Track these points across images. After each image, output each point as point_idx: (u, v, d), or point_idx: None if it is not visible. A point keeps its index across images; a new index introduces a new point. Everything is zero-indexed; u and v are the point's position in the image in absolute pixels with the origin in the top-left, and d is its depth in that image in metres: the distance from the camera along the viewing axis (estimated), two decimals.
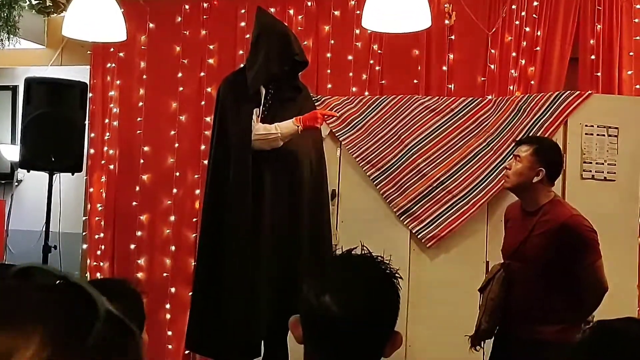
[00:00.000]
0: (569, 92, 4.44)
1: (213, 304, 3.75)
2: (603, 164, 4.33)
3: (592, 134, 4.35)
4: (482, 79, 5.03)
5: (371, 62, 5.22)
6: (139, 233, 5.61)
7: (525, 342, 3.29)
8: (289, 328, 1.56)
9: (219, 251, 3.77)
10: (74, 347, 0.61)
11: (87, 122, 5.48)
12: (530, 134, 4.33)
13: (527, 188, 3.36)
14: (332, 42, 5.31)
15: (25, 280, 0.64)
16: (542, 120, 4.37)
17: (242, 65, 4.30)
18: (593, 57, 4.81)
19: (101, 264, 5.71)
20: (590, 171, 4.33)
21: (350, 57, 5.26)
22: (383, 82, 5.23)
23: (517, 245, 3.35)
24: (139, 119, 5.70)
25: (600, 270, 3.27)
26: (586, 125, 4.36)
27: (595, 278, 3.26)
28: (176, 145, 5.58)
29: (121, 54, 5.75)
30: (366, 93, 5.12)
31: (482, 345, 3.47)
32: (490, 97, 4.80)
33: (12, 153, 5.87)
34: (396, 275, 1.57)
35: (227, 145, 3.82)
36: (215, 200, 3.85)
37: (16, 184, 6.16)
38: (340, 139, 4.74)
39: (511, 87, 4.92)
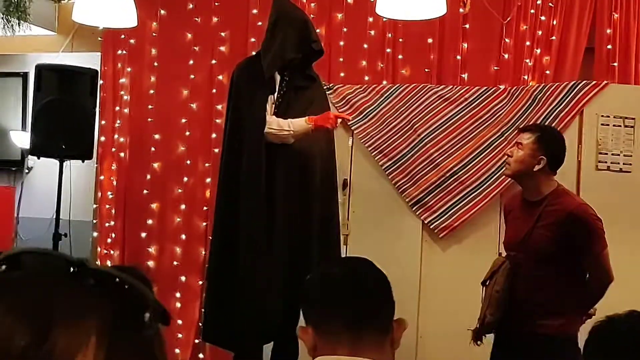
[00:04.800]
0: (584, 81, 4.39)
1: (227, 293, 3.73)
2: (619, 155, 4.27)
3: (608, 125, 4.29)
4: (496, 68, 4.98)
5: (387, 50, 5.17)
6: (149, 221, 5.60)
7: (528, 336, 3.25)
8: (299, 337, 1.63)
9: (232, 240, 3.75)
10: (129, 341, 0.61)
11: (97, 109, 5.46)
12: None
13: (527, 176, 3.31)
14: (345, 30, 5.26)
15: (61, 273, 0.63)
16: (557, 111, 4.32)
17: (254, 53, 4.27)
18: (609, 46, 4.75)
19: (111, 252, 5.70)
20: (606, 162, 4.27)
21: (363, 46, 5.21)
22: (396, 70, 5.18)
23: (522, 237, 3.29)
24: (149, 106, 5.67)
25: (607, 260, 3.23)
26: (602, 116, 4.30)
27: (603, 268, 3.23)
28: (187, 133, 5.56)
29: (132, 41, 5.72)
30: (384, 82, 5.06)
31: (483, 340, 3.44)
32: (504, 86, 4.74)
33: (23, 140, 5.86)
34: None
35: (241, 133, 3.78)
36: (229, 188, 3.83)
37: (26, 171, 6.15)
38: (352, 128, 4.70)
39: (525, 77, 4.86)
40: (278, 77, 3.86)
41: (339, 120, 3.98)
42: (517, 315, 3.30)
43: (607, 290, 3.26)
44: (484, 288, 3.44)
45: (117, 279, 0.63)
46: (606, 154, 4.27)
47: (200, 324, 5.03)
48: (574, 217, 3.19)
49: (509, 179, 3.87)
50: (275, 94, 3.84)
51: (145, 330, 0.61)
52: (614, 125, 4.29)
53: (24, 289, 0.61)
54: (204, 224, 5.43)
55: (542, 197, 3.29)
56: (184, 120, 5.58)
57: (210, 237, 4.18)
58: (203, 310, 4.00)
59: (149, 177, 5.63)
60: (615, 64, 4.72)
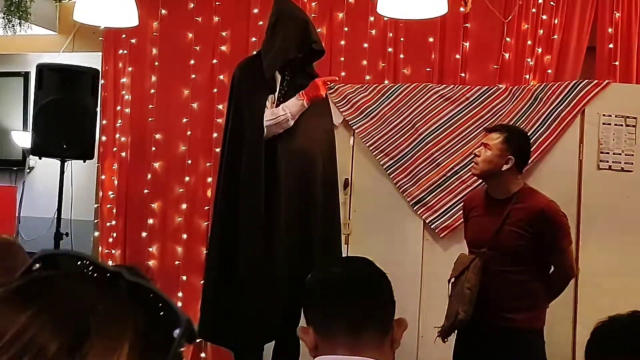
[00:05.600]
0: (586, 81, 4.38)
1: (227, 292, 3.72)
2: (620, 154, 4.26)
3: (609, 124, 4.28)
4: (497, 67, 4.97)
5: (388, 50, 5.16)
6: (150, 221, 5.60)
7: (497, 330, 3.34)
8: (300, 338, 1.62)
9: (231, 239, 3.75)
10: (158, 355, 0.61)
11: (98, 109, 5.46)
12: (547, 124, 4.29)
13: (496, 176, 3.40)
14: (346, 29, 5.26)
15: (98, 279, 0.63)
16: (558, 110, 4.31)
17: (255, 52, 4.26)
18: (611, 45, 4.74)
19: (113, 251, 5.71)
20: (607, 161, 4.26)
21: (364, 45, 5.20)
22: (397, 70, 5.17)
23: (492, 234, 3.35)
24: (150, 106, 5.68)
25: (572, 256, 3.42)
26: (604, 115, 4.29)
27: (569, 263, 3.39)
28: (188, 132, 5.56)
29: (133, 41, 5.72)
30: (385, 82, 5.06)
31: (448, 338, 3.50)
32: (505, 86, 4.74)
33: (24, 140, 5.86)
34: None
35: (241, 133, 3.78)
36: (229, 188, 3.82)
37: (28, 170, 6.15)
38: (353, 128, 4.70)
39: (527, 76, 4.85)
40: (279, 77, 3.85)
41: (329, 83, 4.06)
42: (488, 311, 3.35)
43: (569, 284, 3.47)
44: (451, 285, 3.47)
45: (151, 293, 0.63)
46: (608, 153, 4.27)
47: None
48: (544, 215, 3.30)
49: None
50: (276, 94, 3.83)
51: (174, 346, 0.62)
52: (615, 125, 4.28)
53: (59, 292, 0.60)
54: (205, 223, 5.43)
55: (510, 195, 3.38)
56: (185, 120, 5.58)
57: (209, 236, 4.18)
58: (200, 307, 3.98)
59: (150, 176, 5.63)
60: (617, 63, 4.71)
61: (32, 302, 0.58)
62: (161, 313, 0.62)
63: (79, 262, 0.63)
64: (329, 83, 4.06)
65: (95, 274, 0.62)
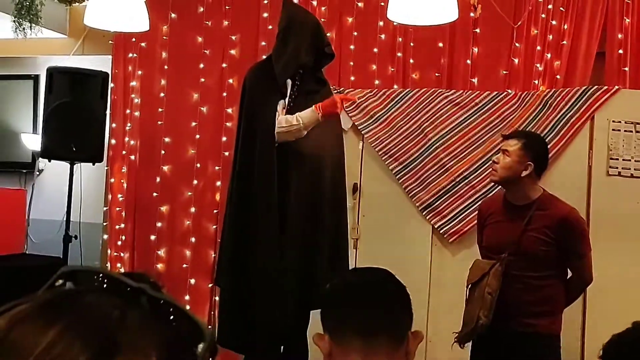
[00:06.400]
0: (596, 87, 4.37)
1: (242, 298, 3.71)
2: (630, 160, 4.26)
3: (619, 130, 4.28)
4: (507, 72, 4.97)
5: (398, 54, 5.16)
6: (159, 224, 5.61)
7: (517, 335, 3.34)
8: (315, 344, 1.62)
9: (244, 243, 3.74)
10: None
11: (108, 112, 5.47)
12: (556, 130, 4.30)
13: (515, 182, 3.39)
14: (356, 34, 5.27)
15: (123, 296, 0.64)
16: (568, 116, 4.31)
17: (264, 57, 4.26)
18: (621, 51, 4.73)
19: (121, 254, 5.72)
20: (617, 168, 4.26)
21: (374, 50, 5.20)
22: (406, 74, 5.17)
23: (514, 240, 3.35)
24: (160, 109, 5.69)
25: (591, 262, 3.42)
26: (613, 121, 4.29)
27: (588, 269, 3.42)
28: (197, 136, 5.57)
29: (143, 44, 5.74)
30: (395, 86, 5.06)
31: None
32: (515, 91, 4.73)
33: (34, 142, 5.89)
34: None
35: (254, 138, 3.78)
36: (242, 192, 3.80)
37: (37, 173, 6.17)
38: (362, 132, 4.70)
39: (536, 82, 4.85)
40: (289, 82, 3.85)
41: (347, 102, 4.01)
42: (507, 316, 3.34)
43: (585, 289, 3.57)
44: (469, 290, 3.46)
45: (174, 308, 0.63)
46: (617, 159, 4.26)
47: (209, 327, 5.03)
48: (567, 222, 3.31)
49: None
50: (287, 99, 3.83)
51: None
52: (625, 131, 4.28)
53: (86, 307, 0.61)
54: (214, 226, 5.44)
55: (531, 202, 3.38)
56: (194, 124, 5.59)
57: (220, 241, 4.16)
58: (218, 315, 3.98)
59: (159, 180, 5.64)
60: (627, 69, 4.70)
61: (59, 317, 0.59)
62: (185, 328, 0.62)
63: (100, 278, 0.64)
64: (347, 103, 4.03)
65: (117, 289, 0.63)
